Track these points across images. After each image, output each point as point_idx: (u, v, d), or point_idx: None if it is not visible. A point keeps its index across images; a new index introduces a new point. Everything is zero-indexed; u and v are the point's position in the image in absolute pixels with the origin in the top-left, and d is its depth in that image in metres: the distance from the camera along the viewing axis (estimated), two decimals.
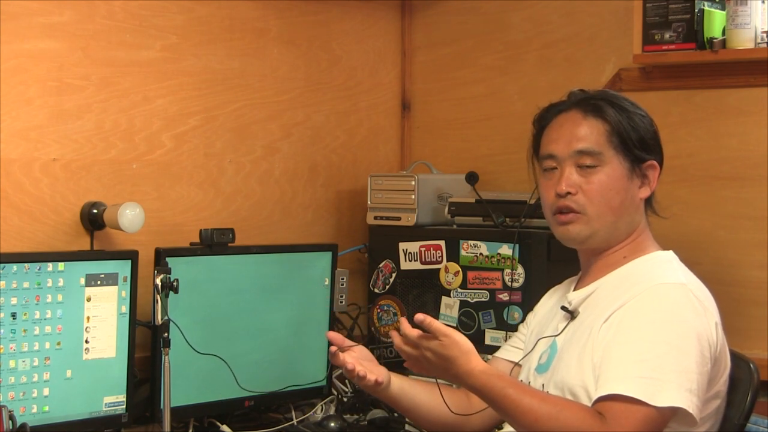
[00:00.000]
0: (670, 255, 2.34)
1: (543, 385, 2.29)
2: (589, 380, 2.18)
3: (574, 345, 2.26)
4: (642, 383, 2.08)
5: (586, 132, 2.31)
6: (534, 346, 2.39)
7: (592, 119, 2.31)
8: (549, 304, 2.51)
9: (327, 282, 3.20)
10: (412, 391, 2.46)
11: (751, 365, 2.35)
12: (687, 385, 2.09)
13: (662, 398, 2.07)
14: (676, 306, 2.17)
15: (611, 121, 2.30)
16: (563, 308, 2.35)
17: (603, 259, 2.34)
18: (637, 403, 2.06)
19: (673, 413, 2.10)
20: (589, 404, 2.15)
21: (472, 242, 3.19)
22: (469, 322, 3.20)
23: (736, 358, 2.31)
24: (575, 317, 2.31)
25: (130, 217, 2.82)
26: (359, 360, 2.37)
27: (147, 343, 2.85)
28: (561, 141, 2.32)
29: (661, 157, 2.36)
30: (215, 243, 2.93)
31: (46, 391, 2.63)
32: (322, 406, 3.21)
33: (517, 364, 2.46)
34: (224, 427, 2.97)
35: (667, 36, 3.08)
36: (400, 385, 2.45)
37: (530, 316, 2.56)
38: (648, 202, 2.37)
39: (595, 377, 2.16)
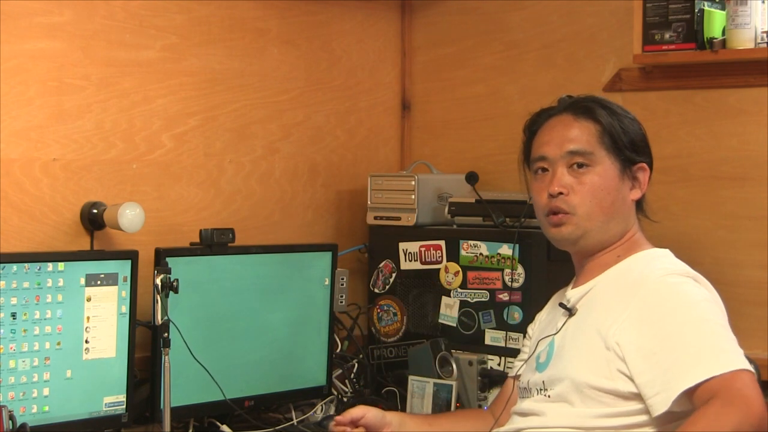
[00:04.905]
0: (666, 251, 2.36)
1: (543, 381, 2.30)
2: (596, 378, 2.19)
3: (578, 341, 2.27)
4: (701, 361, 2.09)
5: (577, 133, 2.33)
6: (535, 348, 2.40)
7: (584, 121, 2.34)
8: (548, 309, 2.53)
9: (327, 282, 3.20)
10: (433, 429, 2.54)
11: (753, 366, 2.35)
12: (737, 350, 2.13)
13: (727, 364, 2.08)
14: (692, 290, 2.21)
15: (603, 122, 2.33)
16: (561, 305, 2.36)
17: (596, 259, 2.36)
18: (712, 379, 2.07)
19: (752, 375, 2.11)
20: (593, 397, 2.17)
21: (472, 242, 3.19)
22: (469, 322, 3.20)
23: None
24: (573, 314, 2.33)
25: (130, 217, 2.82)
26: None
27: (147, 343, 2.84)
28: (552, 143, 2.34)
29: (651, 161, 2.38)
30: (215, 243, 2.93)
31: (46, 391, 2.62)
32: (322, 406, 3.21)
33: (517, 377, 2.49)
34: (224, 427, 2.97)
35: (667, 36, 3.08)
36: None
37: (530, 328, 2.58)
38: (639, 205, 2.38)
39: (607, 376, 2.18)
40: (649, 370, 2.14)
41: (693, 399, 2.10)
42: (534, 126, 2.42)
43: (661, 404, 2.13)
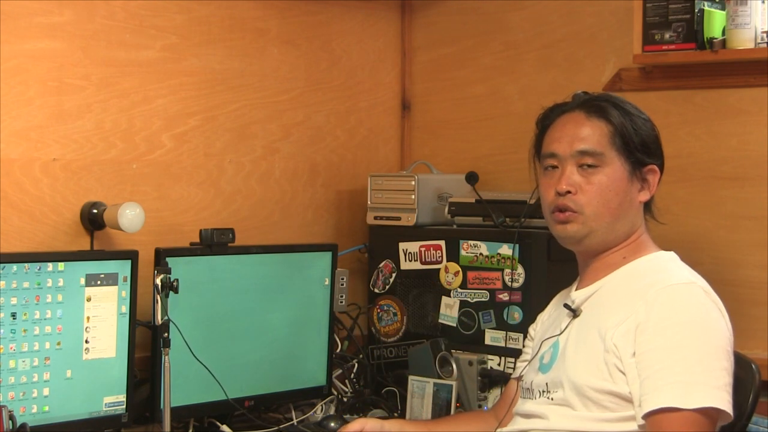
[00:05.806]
0: (672, 255, 2.34)
1: (547, 384, 2.30)
2: (596, 380, 2.19)
3: (581, 344, 2.26)
4: (671, 389, 2.09)
5: (588, 132, 2.32)
6: (539, 348, 2.40)
7: (596, 120, 2.32)
8: (551, 310, 2.52)
9: (327, 282, 3.20)
10: None
11: (753, 366, 2.36)
12: (714, 383, 2.10)
13: (694, 400, 2.08)
14: (694, 306, 2.18)
15: (615, 123, 2.31)
16: (566, 306, 2.35)
17: (601, 260, 2.35)
18: (673, 410, 2.07)
19: (717, 413, 2.10)
20: (595, 400, 2.17)
21: (472, 242, 3.19)
22: (469, 322, 3.20)
23: (737, 358, 2.30)
24: (578, 316, 2.32)
25: (130, 217, 2.82)
26: None
27: (147, 343, 2.84)
28: (563, 140, 2.33)
29: (662, 162, 2.37)
30: (215, 243, 2.93)
31: (46, 391, 2.62)
32: (322, 406, 3.21)
33: (520, 379, 2.48)
34: (224, 427, 2.97)
35: (667, 36, 3.08)
36: None
37: (531, 329, 2.57)
38: (647, 206, 2.38)
39: (607, 379, 2.18)
40: (634, 381, 2.15)
41: (646, 423, 2.12)
42: (546, 120, 2.41)
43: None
